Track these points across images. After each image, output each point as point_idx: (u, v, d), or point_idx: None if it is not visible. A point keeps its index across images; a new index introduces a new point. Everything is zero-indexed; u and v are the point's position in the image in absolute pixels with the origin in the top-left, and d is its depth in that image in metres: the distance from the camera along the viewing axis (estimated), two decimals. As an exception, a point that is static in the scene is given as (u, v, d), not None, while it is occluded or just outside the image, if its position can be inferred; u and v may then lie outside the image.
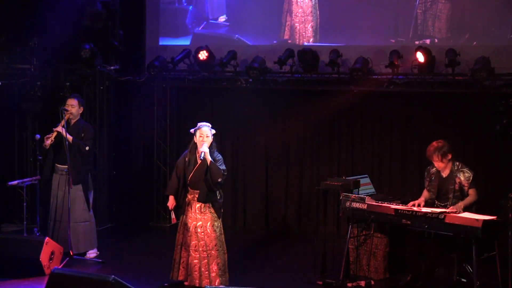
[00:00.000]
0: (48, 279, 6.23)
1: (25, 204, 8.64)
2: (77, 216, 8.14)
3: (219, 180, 6.89)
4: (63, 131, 7.92)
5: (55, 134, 8.00)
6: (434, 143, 7.11)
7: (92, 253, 8.29)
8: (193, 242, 6.98)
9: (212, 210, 7.00)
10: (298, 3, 9.62)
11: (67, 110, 8.09)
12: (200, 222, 6.98)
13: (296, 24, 9.64)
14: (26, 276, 7.41)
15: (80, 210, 8.17)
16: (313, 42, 9.57)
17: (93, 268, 7.90)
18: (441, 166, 7.11)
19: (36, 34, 9.89)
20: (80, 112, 8.32)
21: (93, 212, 8.41)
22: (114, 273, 6.22)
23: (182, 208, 7.12)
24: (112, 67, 10.08)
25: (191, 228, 6.99)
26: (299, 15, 9.62)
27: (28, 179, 8.86)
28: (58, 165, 8.16)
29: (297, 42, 9.59)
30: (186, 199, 7.07)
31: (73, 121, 8.21)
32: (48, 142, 8.02)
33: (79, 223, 8.17)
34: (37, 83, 9.89)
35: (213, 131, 7.05)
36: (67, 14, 9.93)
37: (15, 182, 8.56)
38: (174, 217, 7.18)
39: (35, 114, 9.94)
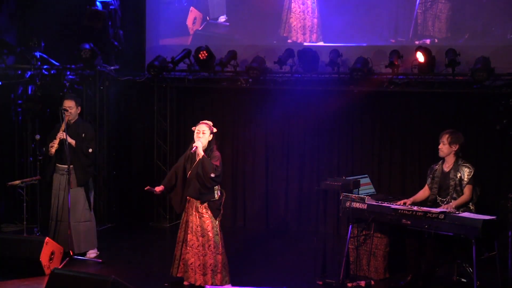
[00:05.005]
0: (48, 279, 6.24)
1: (25, 204, 8.66)
2: (79, 216, 8.14)
3: (212, 175, 6.86)
4: (65, 136, 7.91)
5: (58, 140, 8.00)
6: (452, 129, 7.21)
7: (92, 253, 8.29)
8: (190, 240, 7.01)
9: (209, 211, 7.00)
10: (298, 2, 9.62)
11: (67, 111, 8.09)
12: (198, 221, 6.99)
13: (296, 23, 9.65)
14: (26, 276, 7.41)
15: (82, 210, 8.18)
16: (313, 42, 9.58)
17: (93, 268, 7.90)
18: (443, 151, 7.16)
19: (36, 34, 9.90)
20: (78, 112, 8.32)
21: (93, 212, 8.42)
22: (114, 273, 6.25)
23: (183, 205, 7.14)
24: (112, 67, 10.09)
25: (190, 226, 7.02)
26: (299, 14, 9.63)
27: (28, 179, 8.87)
28: (59, 165, 8.15)
29: (296, 41, 9.60)
30: (187, 198, 7.08)
31: (72, 121, 8.21)
32: (53, 150, 8.03)
33: (80, 223, 8.17)
34: (37, 83, 9.89)
35: (214, 130, 7.10)
36: (67, 14, 9.94)
37: (15, 182, 8.58)
38: (150, 187, 7.14)
39: (35, 114, 9.94)
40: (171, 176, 7.18)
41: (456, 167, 7.14)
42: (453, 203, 6.99)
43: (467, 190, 7.04)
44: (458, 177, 7.09)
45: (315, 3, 9.58)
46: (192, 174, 6.98)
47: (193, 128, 7.14)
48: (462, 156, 7.19)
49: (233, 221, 10.20)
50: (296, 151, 10.00)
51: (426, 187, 7.40)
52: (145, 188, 7.16)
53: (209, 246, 6.97)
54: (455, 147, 7.15)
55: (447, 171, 7.21)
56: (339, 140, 9.79)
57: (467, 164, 7.13)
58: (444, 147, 7.17)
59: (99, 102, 10.09)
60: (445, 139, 7.16)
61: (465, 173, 7.08)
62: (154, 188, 7.16)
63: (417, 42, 9.07)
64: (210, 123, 7.16)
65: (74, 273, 6.39)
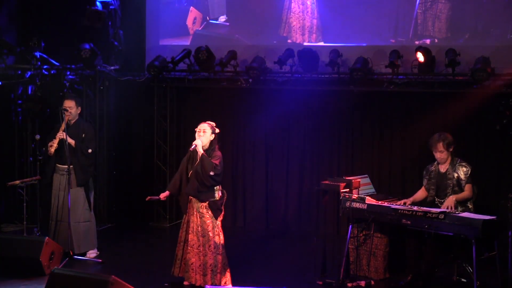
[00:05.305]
0: (48, 279, 6.25)
1: (25, 204, 8.66)
2: (78, 216, 8.15)
3: (211, 173, 6.86)
4: (65, 136, 7.91)
5: (57, 140, 8.00)
6: (438, 134, 7.19)
7: (92, 253, 8.29)
8: (191, 240, 7.02)
9: (210, 211, 7.00)
10: (298, 2, 9.62)
11: (67, 111, 8.09)
12: (199, 221, 7.00)
13: (295, 23, 9.65)
14: (26, 276, 7.41)
15: (82, 210, 8.18)
16: (313, 42, 9.57)
17: (93, 268, 7.90)
18: (443, 157, 7.17)
19: (36, 34, 9.90)
20: (79, 112, 8.32)
21: (93, 212, 8.42)
22: (114, 273, 6.23)
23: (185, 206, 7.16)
24: (112, 67, 10.09)
25: (191, 226, 7.03)
26: (299, 14, 9.63)
27: (28, 179, 8.87)
28: (59, 165, 8.16)
29: (296, 41, 9.60)
30: (189, 198, 7.09)
31: (72, 121, 8.21)
32: (52, 150, 8.03)
33: (80, 223, 8.18)
34: (37, 83, 9.89)
35: (217, 130, 7.11)
36: (67, 14, 9.95)
37: (15, 182, 8.58)
38: (152, 197, 7.26)
39: (35, 114, 9.94)
40: (175, 180, 7.19)
41: (453, 167, 7.15)
42: (454, 196, 6.99)
43: (467, 188, 7.06)
44: (456, 177, 7.10)
45: (315, 3, 9.57)
46: (192, 173, 6.99)
47: (195, 129, 7.15)
48: (456, 155, 7.20)
49: (233, 221, 10.19)
50: (296, 151, 9.99)
51: (423, 188, 7.41)
52: (147, 199, 7.22)
53: (210, 246, 6.97)
54: (451, 149, 7.17)
55: (443, 171, 7.21)
56: (339, 140, 9.78)
57: (463, 163, 7.15)
58: (443, 154, 7.18)
59: (99, 102, 10.09)
60: (440, 147, 7.15)
61: (463, 172, 7.09)
62: (158, 196, 7.24)
63: (417, 42, 9.07)
64: (213, 123, 7.17)
65: (74, 273, 6.39)
